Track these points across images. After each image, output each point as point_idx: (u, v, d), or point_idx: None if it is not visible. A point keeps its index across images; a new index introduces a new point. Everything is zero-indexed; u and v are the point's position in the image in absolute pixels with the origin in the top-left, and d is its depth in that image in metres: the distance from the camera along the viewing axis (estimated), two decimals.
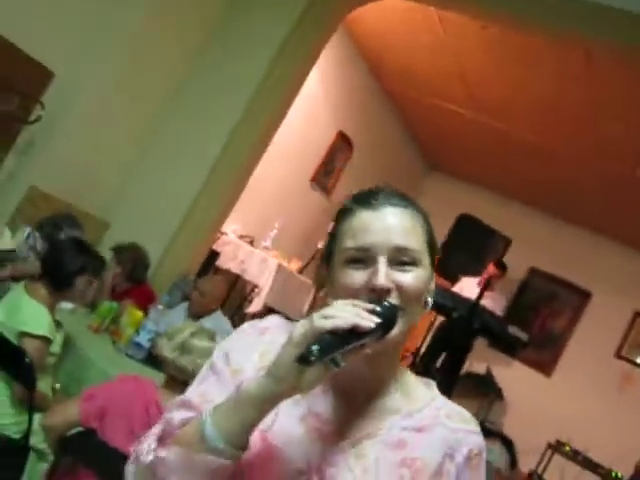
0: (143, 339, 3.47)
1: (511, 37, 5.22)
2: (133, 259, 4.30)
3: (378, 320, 0.93)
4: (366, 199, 1.08)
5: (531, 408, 7.58)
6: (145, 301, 4.08)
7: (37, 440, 2.60)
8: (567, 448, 6.01)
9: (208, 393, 1.05)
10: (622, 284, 8.13)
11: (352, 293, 1.00)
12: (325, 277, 1.11)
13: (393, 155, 8.62)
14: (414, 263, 1.04)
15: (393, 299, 1.00)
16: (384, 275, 1.00)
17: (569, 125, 6.17)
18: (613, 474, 5.78)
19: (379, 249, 1.02)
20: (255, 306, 5.96)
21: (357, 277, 1.02)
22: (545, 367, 8.37)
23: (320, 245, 7.49)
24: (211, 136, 4.93)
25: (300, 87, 5.33)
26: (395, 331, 0.99)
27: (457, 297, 6.09)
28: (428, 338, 6.82)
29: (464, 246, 7.98)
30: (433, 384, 1.15)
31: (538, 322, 8.53)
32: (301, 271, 7.10)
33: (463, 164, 8.76)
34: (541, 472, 5.98)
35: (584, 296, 8.49)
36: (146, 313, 3.65)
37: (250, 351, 1.08)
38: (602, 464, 5.94)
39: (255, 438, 0.97)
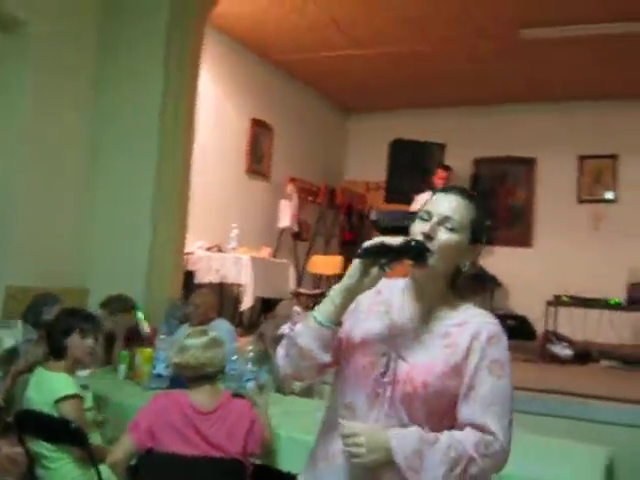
0: (160, 369, 3.80)
1: None
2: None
3: (399, 242, 1.54)
4: (447, 189, 1.68)
5: (526, 280, 8.05)
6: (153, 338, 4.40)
7: None
8: (565, 298, 6.45)
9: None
10: (560, 138, 8.58)
11: (415, 234, 1.59)
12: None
13: (310, 118, 8.95)
14: (453, 230, 1.59)
15: (427, 243, 1.57)
16: (428, 228, 1.58)
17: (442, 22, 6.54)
18: (612, 301, 6.24)
19: (436, 214, 1.60)
20: (247, 302, 6.30)
21: (419, 226, 1.61)
22: (524, 240, 8.83)
23: (281, 225, 7.89)
24: (139, 175, 5.26)
25: (195, 96, 5.59)
26: (431, 262, 1.56)
27: (414, 213, 6.41)
28: None
29: (406, 168, 8.37)
30: (470, 303, 1.69)
31: (500, 204, 8.95)
32: (274, 255, 7.45)
33: (375, 97, 9.08)
34: (554, 328, 6.43)
35: (530, 163, 8.94)
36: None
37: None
38: (599, 297, 6.39)
39: (347, 331, 1.65)
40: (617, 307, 6.32)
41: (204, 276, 6.36)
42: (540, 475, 2.63)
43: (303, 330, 1.59)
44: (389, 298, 1.69)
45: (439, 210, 1.60)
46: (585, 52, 6.95)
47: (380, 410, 1.57)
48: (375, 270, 1.54)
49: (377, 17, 6.44)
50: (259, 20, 6.75)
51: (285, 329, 1.59)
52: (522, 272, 8.19)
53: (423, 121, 8.87)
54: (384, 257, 1.53)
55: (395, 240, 1.53)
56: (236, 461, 2.58)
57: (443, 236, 1.57)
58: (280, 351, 1.67)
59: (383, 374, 1.58)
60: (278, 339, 4.13)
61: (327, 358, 1.59)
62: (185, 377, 2.73)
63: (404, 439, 1.48)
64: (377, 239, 1.53)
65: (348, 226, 9.01)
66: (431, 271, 1.58)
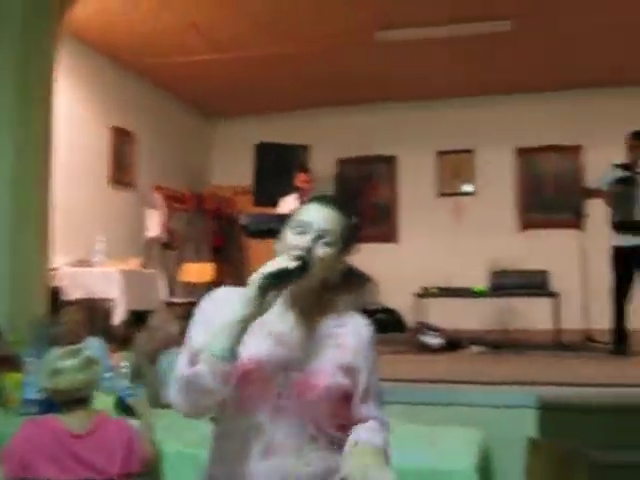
0: (31, 393, 3.62)
1: None
2: None
3: (295, 264, 1.54)
4: (322, 198, 1.71)
5: (395, 274, 8.28)
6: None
7: None
8: (432, 290, 6.70)
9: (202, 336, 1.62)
10: (419, 135, 8.91)
11: (290, 248, 1.61)
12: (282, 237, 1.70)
13: (172, 124, 8.82)
14: (329, 244, 1.63)
15: (306, 257, 1.59)
16: (306, 243, 1.61)
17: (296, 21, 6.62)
18: (477, 290, 6.55)
19: (311, 227, 1.63)
20: (118, 317, 6.12)
21: (294, 239, 1.63)
22: (389, 236, 9.13)
23: (149, 234, 7.72)
24: None
25: (50, 105, 5.37)
26: (310, 274, 1.59)
27: (282, 216, 6.45)
28: None
29: (272, 171, 8.40)
30: (341, 301, 1.77)
31: (365, 202, 9.18)
32: (144, 265, 7.28)
33: (238, 101, 9.07)
34: (424, 319, 6.65)
35: (391, 161, 9.23)
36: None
37: (222, 306, 1.64)
38: (465, 287, 6.69)
39: (241, 360, 1.55)
40: (482, 295, 6.64)
41: (72, 292, 6.11)
42: (416, 462, 2.72)
43: (202, 371, 1.52)
44: (275, 317, 1.68)
45: (317, 224, 1.64)
46: (440, 52, 7.26)
47: (286, 424, 1.59)
48: (271, 295, 1.53)
49: (236, 20, 6.44)
50: (112, 24, 6.57)
51: (181, 369, 1.50)
52: (390, 267, 8.40)
53: (287, 124, 8.97)
54: (281, 281, 1.53)
55: (287, 262, 1.54)
56: None
57: (321, 251, 1.62)
58: (173, 391, 1.59)
59: (281, 392, 1.60)
60: (153, 354, 4.05)
61: (226, 392, 1.57)
62: (58, 401, 2.63)
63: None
64: (273, 264, 1.53)
65: (218, 231, 8.94)
66: (308, 284, 1.62)
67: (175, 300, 7.29)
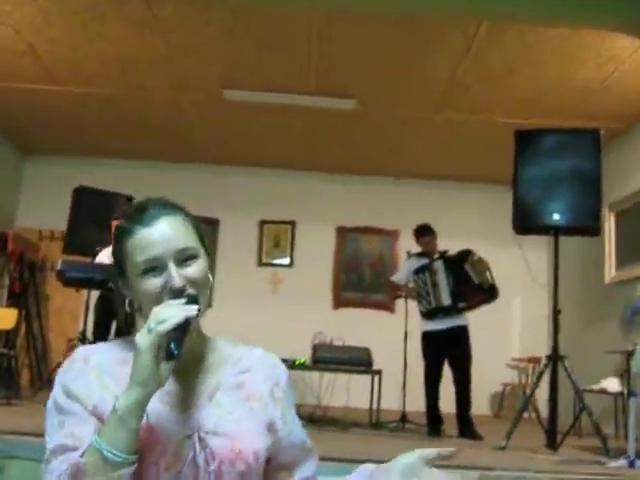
0: None
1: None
2: None
3: (196, 307, 1.18)
4: (139, 217, 1.26)
5: None
6: None
7: None
8: None
9: (75, 432, 1.18)
10: (243, 201, 8.84)
11: (155, 296, 1.21)
12: (125, 289, 1.30)
13: None
14: (195, 257, 1.26)
15: (190, 290, 1.22)
16: (177, 277, 1.22)
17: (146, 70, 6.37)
18: (298, 362, 6.43)
19: (166, 256, 1.23)
20: None
21: (155, 283, 1.22)
22: None
23: None
24: None
25: None
26: (200, 313, 1.22)
27: (104, 266, 6.03)
28: (89, 318, 6.67)
29: (90, 218, 7.86)
30: (234, 338, 1.42)
31: None
32: None
33: (59, 140, 8.49)
34: None
35: (214, 224, 9.04)
36: None
37: (86, 377, 1.24)
38: (286, 358, 6.55)
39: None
40: (302, 367, 6.54)
41: None
42: None
43: (91, 473, 1.09)
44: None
45: (164, 248, 1.22)
46: (279, 121, 7.31)
47: None
48: (164, 364, 1.13)
49: (78, 51, 6.00)
50: None
51: (59, 468, 0.98)
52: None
53: (111, 171, 8.50)
54: (184, 332, 1.15)
55: (175, 311, 1.15)
56: None
57: (190, 273, 1.23)
58: None
59: (196, 464, 1.19)
60: None
61: None
62: None
63: None
64: (168, 312, 1.14)
65: (18, 276, 8.14)
66: (200, 317, 1.24)
67: None
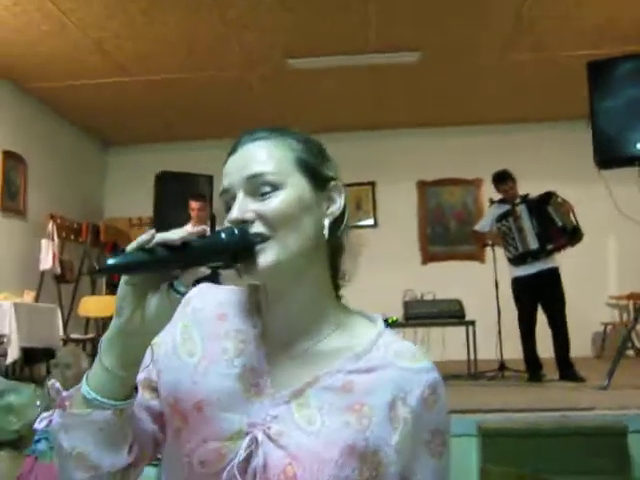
0: None
1: None
2: None
3: (179, 236, 0.85)
4: (234, 145, 1.03)
5: None
6: None
7: None
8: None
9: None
10: None
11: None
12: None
13: (67, 151, 8.34)
14: (275, 187, 0.96)
15: (257, 226, 0.95)
16: (236, 208, 0.96)
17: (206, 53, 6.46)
18: (391, 320, 6.47)
19: (236, 186, 0.98)
20: (12, 354, 5.62)
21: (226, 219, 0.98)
22: None
23: (42, 266, 7.19)
24: None
25: None
26: (266, 256, 0.94)
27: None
28: None
29: (174, 201, 8.10)
30: (379, 317, 1.07)
31: None
32: (37, 299, 6.78)
33: (138, 129, 8.72)
34: None
35: None
36: None
37: (174, 324, 1.02)
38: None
39: (169, 395, 0.99)
40: (396, 324, 6.58)
41: None
42: None
43: (67, 419, 0.92)
44: (239, 327, 1.02)
45: (238, 175, 0.98)
46: (348, 82, 7.27)
47: None
48: (155, 299, 0.87)
49: (142, 41, 6.13)
50: (6, 42, 6.09)
51: (40, 422, 0.83)
52: None
53: (190, 154, 8.68)
54: (164, 268, 0.86)
55: (179, 232, 0.86)
56: None
57: (263, 207, 0.95)
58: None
59: (242, 469, 0.92)
60: None
61: (119, 459, 0.94)
62: (37, 427, 2.27)
63: None
64: (144, 236, 0.85)
65: None
66: (275, 271, 0.94)
67: (73, 336, 6.81)
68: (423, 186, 8.99)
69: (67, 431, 0.92)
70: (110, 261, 0.81)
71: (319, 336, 1.01)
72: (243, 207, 0.95)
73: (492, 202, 6.16)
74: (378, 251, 8.62)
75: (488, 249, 6.54)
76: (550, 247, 5.61)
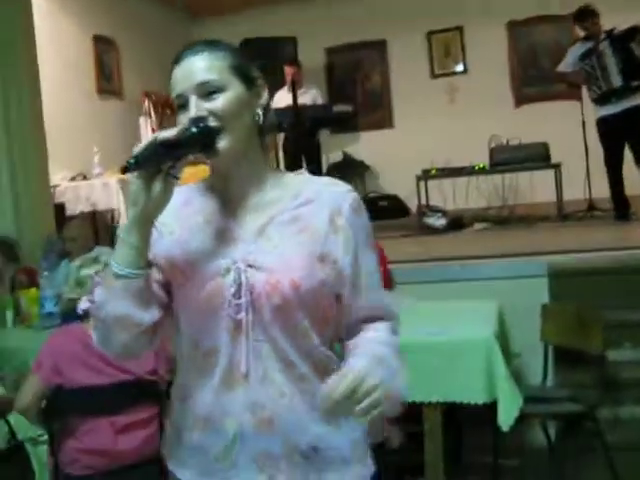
0: (50, 307, 3.67)
1: None
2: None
3: (176, 134, 1.18)
4: (176, 57, 1.28)
5: (393, 160, 8.26)
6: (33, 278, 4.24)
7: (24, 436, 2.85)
8: (433, 171, 6.67)
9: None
10: (407, 16, 8.60)
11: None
12: None
13: (155, 28, 8.49)
14: (220, 90, 1.23)
15: (211, 121, 1.22)
16: (193, 108, 1.22)
17: None
18: (477, 167, 6.53)
19: (188, 91, 1.24)
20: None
21: (183, 120, 1.24)
22: (385, 122, 9.02)
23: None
24: None
25: (31, 15, 5.25)
26: (223, 143, 1.22)
27: (278, 110, 6.38)
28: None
29: (262, 67, 8.20)
30: (304, 171, 1.42)
31: (359, 90, 9.07)
32: None
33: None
34: (426, 202, 6.66)
35: (381, 45, 9.01)
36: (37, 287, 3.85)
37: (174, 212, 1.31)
38: (465, 165, 6.66)
39: (167, 264, 1.29)
40: (483, 171, 6.63)
41: (74, 207, 6.12)
42: (438, 334, 2.80)
43: (106, 295, 1.24)
44: (203, 205, 1.33)
45: (189, 82, 1.23)
46: None
47: (247, 341, 1.24)
48: (159, 183, 1.17)
49: None
50: None
51: (84, 304, 1.11)
52: (388, 153, 8.38)
53: (270, 18, 8.65)
54: (164, 160, 1.18)
55: (169, 132, 1.18)
56: (149, 381, 2.56)
57: (213, 105, 1.22)
58: (95, 333, 1.32)
59: (236, 294, 1.23)
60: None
61: (153, 314, 1.26)
62: (81, 309, 2.66)
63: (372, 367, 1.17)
64: (148, 139, 1.17)
65: None
66: (230, 152, 1.24)
67: None
68: (513, 26, 8.59)
69: (110, 302, 1.23)
70: (131, 160, 1.14)
71: (264, 191, 1.32)
72: (199, 106, 1.23)
73: (575, 40, 5.90)
74: (470, 97, 8.53)
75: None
76: (635, 84, 5.39)
